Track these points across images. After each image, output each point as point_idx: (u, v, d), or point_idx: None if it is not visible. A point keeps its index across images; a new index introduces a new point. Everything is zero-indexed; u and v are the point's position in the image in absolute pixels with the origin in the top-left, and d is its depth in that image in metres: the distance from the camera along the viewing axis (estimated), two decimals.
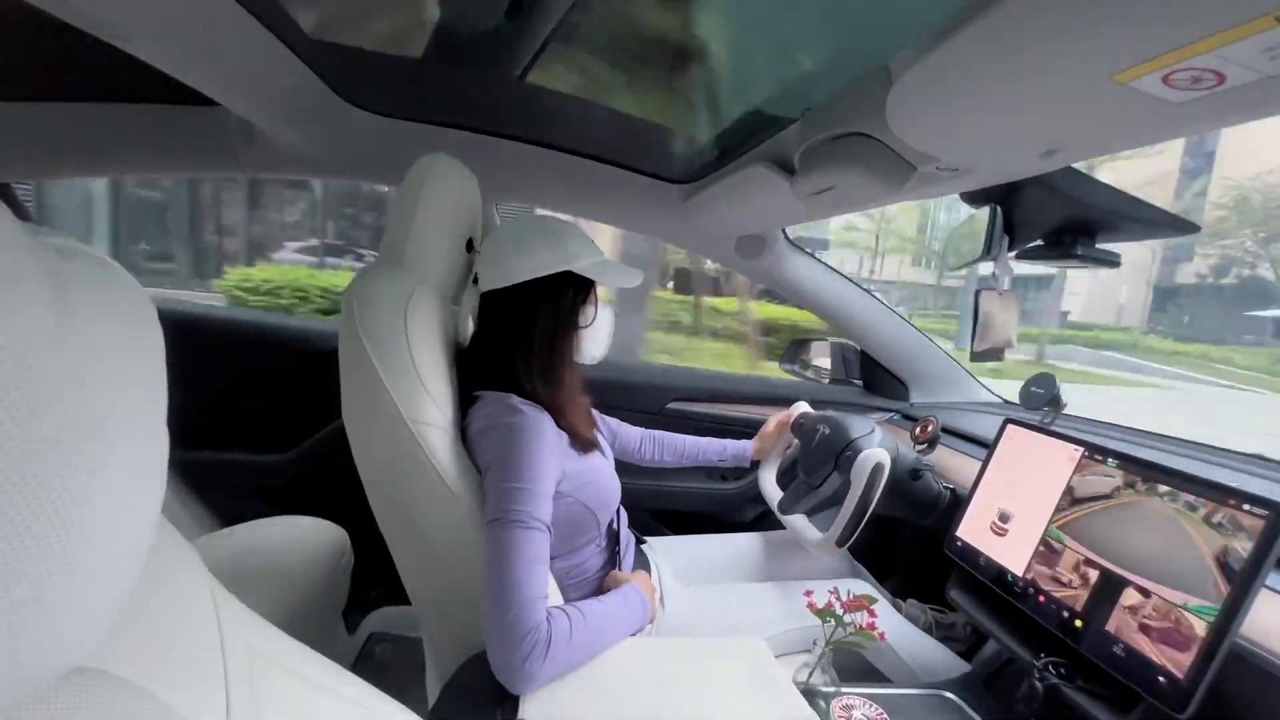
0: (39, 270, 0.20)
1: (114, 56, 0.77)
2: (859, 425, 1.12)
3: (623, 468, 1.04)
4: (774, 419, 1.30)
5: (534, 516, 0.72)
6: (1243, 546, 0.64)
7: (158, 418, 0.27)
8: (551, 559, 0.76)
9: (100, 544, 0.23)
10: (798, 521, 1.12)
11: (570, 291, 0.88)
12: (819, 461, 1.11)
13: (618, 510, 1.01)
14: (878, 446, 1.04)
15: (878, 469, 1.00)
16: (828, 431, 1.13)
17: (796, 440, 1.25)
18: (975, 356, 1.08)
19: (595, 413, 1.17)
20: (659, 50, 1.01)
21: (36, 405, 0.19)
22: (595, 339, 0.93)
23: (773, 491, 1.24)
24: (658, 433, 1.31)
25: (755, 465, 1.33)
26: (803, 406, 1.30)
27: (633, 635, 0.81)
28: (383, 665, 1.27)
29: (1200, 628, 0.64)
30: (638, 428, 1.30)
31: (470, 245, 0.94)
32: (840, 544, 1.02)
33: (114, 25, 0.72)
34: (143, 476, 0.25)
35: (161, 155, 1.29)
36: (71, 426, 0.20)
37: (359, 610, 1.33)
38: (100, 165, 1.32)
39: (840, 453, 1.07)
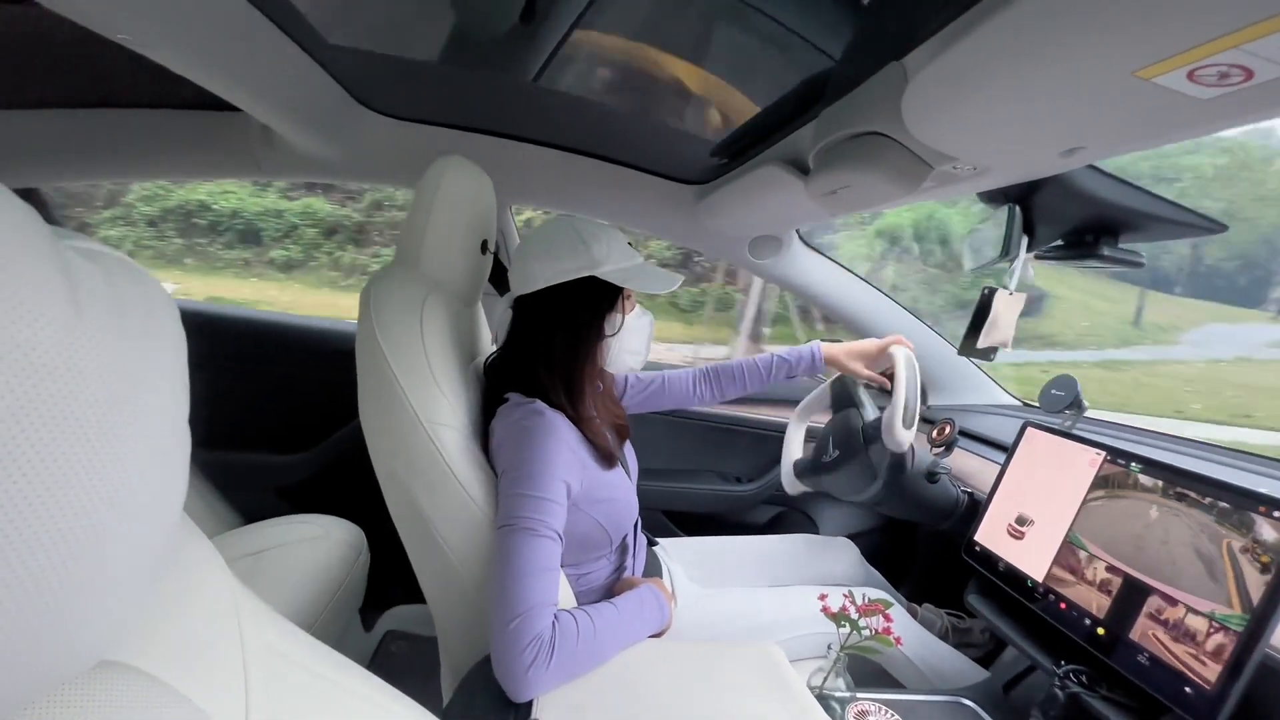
0: (55, 270, 0.20)
1: (140, 64, 0.79)
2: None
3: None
4: (876, 342, 1.16)
5: (545, 524, 0.71)
6: (1273, 553, 0.62)
7: (180, 416, 0.27)
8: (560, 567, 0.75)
9: (125, 540, 0.23)
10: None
11: (595, 299, 0.84)
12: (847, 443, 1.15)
13: (634, 524, 0.99)
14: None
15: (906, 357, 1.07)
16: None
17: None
18: (965, 351, 1.07)
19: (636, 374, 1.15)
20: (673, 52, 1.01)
21: (52, 403, 0.20)
22: (628, 348, 0.89)
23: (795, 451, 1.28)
24: (714, 368, 1.18)
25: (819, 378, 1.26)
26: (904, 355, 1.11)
27: (653, 636, 0.80)
28: (398, 663, 1.28)
29: (1229, 637, 0.62)
30: (687, 370, 1.20)
31: (484, 247, 0.95)
32: (906, 425, 1.01)
33: (139, 35, 0.74)
34: (165, 474, 0.26)
35: (185, 160, 1.32)
36: (91, 424, 0.21)
37: (375, 608, 1.34)
38: (126, 170, 1.36)
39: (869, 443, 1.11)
